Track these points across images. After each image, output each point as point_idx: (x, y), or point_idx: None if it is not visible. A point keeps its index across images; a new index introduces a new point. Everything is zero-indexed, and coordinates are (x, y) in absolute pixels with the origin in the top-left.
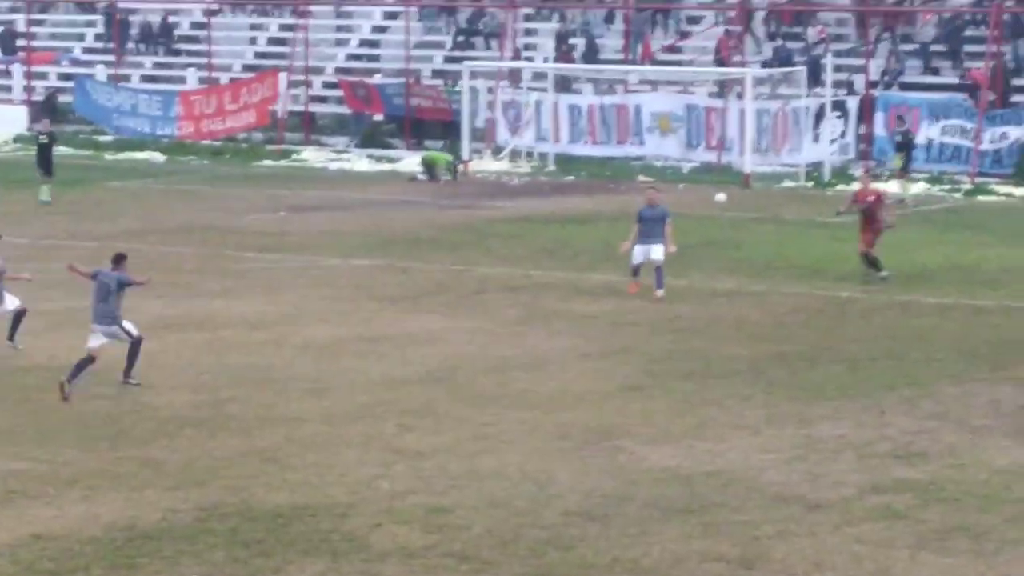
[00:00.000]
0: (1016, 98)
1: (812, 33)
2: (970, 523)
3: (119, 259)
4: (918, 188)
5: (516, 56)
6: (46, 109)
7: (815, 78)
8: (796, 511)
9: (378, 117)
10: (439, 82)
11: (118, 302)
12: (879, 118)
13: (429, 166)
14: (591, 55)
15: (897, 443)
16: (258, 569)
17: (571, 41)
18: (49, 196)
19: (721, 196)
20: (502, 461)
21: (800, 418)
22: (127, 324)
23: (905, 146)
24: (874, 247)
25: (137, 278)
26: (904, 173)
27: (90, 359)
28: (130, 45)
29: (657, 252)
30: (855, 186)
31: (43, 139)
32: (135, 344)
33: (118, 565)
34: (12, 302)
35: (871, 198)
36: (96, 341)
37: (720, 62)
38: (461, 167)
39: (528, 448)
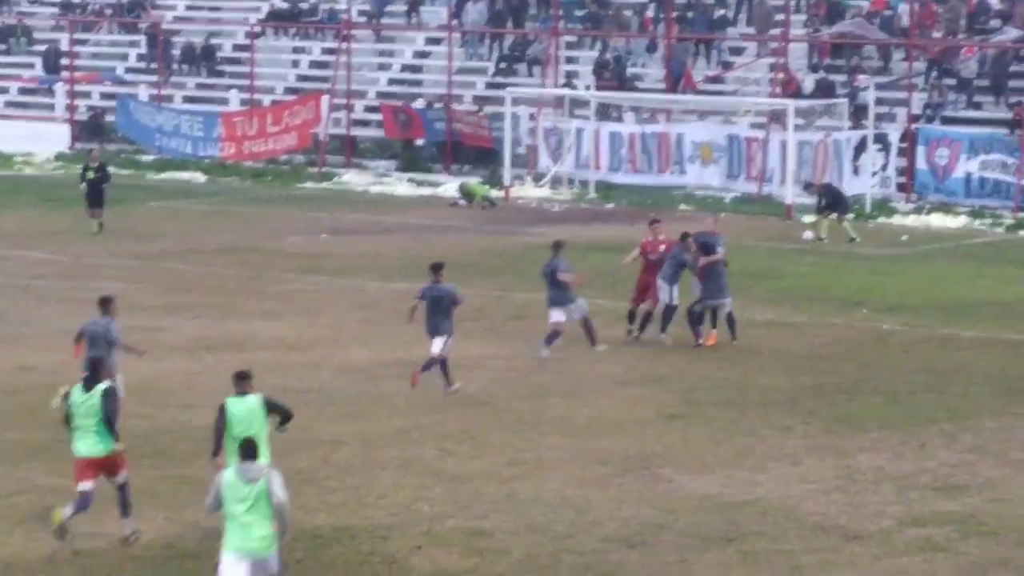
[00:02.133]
0: None
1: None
2: (1010, 557)
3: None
4: (952, 221)
5: (561, 83)
6: (91, 129)
7: (857, 110)
8: (836, 542)
9: (419, 142)
10: (475, 107)
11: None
12: (920, 151)
13: (467, 194)
14: (628, 84)
15: (937, 476)
16: None
17: (611, 68)
18: (97, 228)
19: (808, 234)
20: (541, 486)
21: (839, 449)
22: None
23: (832, 202)
24: (645, 302)
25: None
26: (841, 217)
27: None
28: (173, 66)
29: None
30: (895, 219)
31: (90, 174)
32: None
33: None
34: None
35: (662, 248)
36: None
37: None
38: (500, 195)
39: (566, 474)
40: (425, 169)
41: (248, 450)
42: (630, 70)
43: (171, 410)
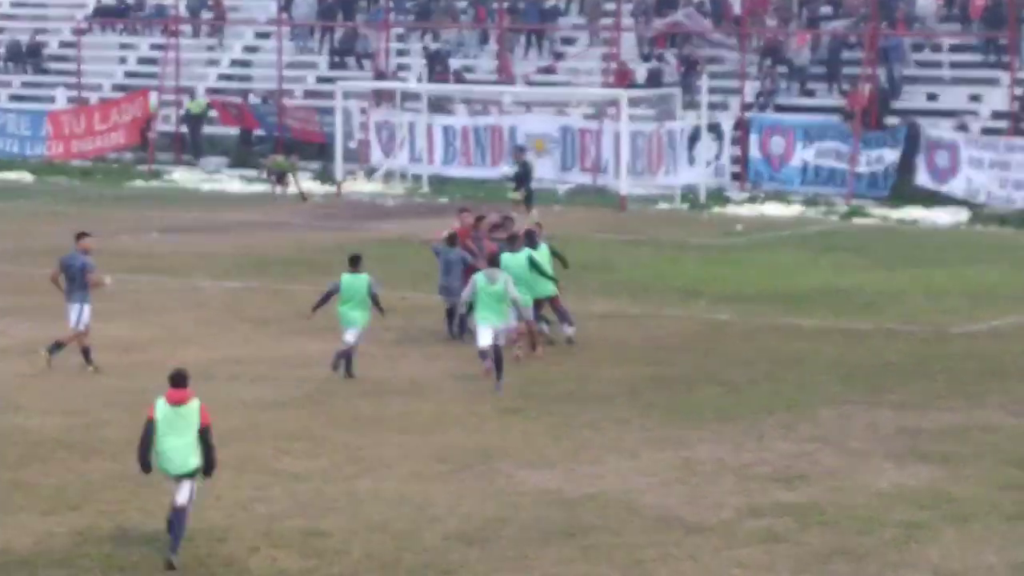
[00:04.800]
0: (891, 120)
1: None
2: (850, 546)
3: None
4: (787, 210)
5: (387, 76)
6: None
7: (690, 99)
8: (676, 534)
9: (259, 132)
10: (308, 103)
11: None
12: (753, 140)
13: (278, 174)
14: (461, 75)
15: (776, 466)
16: None
17: (449, 61)
18: None
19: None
20: (380, 484)
21: (678, 441)
22: None
23: (523, 177)
24: None
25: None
26: (527, 206)
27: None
28: None
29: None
30: (730, 208)
31: None
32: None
33: None
34: None
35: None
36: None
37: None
38: (333, 191)
39: (406, 471)
40: (256, 166)
41: (493, 262)
42: (462, 62)
43: (4, 415)
